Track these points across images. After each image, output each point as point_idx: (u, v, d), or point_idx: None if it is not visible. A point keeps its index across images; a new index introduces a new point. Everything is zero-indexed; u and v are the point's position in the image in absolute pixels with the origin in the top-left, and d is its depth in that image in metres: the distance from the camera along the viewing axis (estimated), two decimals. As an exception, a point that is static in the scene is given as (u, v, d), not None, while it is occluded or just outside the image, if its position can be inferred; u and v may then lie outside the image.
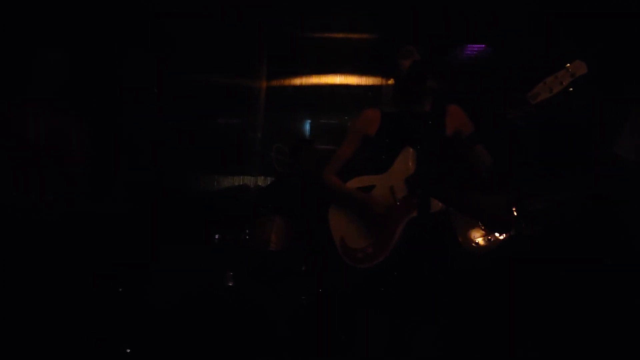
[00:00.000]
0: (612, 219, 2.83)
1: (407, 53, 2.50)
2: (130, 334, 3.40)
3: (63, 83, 3.02)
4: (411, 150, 2.45)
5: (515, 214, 3.18)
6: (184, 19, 4.71)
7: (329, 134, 4.95)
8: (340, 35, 5.09)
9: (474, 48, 4.75)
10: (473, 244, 3.19)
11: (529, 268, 3.21)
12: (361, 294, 2.60)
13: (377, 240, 2.45)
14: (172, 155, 4.70)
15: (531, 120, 2.14)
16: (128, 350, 3.34)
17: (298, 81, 5.14)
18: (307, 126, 5.13)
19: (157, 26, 4.64)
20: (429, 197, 2.30)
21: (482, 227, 3.22)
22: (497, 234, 3.21)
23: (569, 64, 2.08)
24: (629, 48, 3.79)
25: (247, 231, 3.63)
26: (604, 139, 2.66)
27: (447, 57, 4.72)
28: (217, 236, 3.67)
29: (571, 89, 2.08)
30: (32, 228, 2.81)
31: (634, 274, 2.92)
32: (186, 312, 3.41)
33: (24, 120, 2.95)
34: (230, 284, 3.51)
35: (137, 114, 4.66)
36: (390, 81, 2.68)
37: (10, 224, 2.79)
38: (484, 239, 3.21)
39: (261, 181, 4.91)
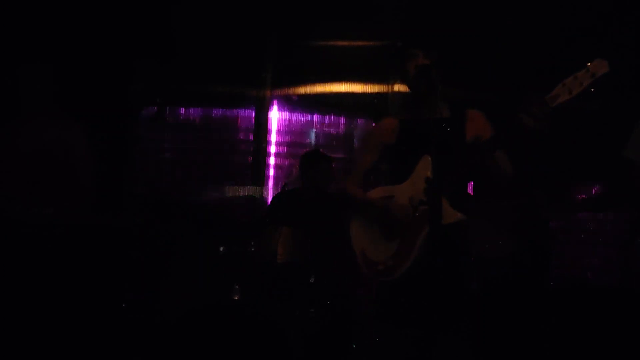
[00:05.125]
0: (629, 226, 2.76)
1: (411, 56, 2.43)
2: (136, 349, 3.34)
3: (52, 94, 3.01)
4: (429, 159, 2.39)
5: (532, 220, 3.11)
6: (190, 27, 4.70)
7: (335, 143, 4.90)
8: (345, 43, 5.05)
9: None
10: (488, 251, 3.12)
11: (551, 278, 3.15)
12: (382, 306, 2.53)
13: (397, 252, 2.38)
14: (177, 166, 4.66)
15: (549, 123, 2.06)
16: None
17: (303, 89, 5.11)
18: (312, 135, 5.09)
19: (162, 35, 4.63)
20: (441, 207, 2.23)
21: (499, 233, 3.15)
22: (519, 241, 3.13)
23: (589, 63, 1.99)
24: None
25: (253, 243, 3.57)
26: (615, 142, 2.59)
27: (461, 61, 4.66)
28: (222, 248, 3.61)
29: (592, 89, 1.99)
30: (36, 242, 2.78)
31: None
32: (192, 326, 3.35)
33: (19, 133, 2.94)
34: (237, 297, 3.45)
35: (142, 124, 4.64)
36: (397, 87, 2.63)
37: (14, 238, 2.76)
38: (500, 246, 3.13)
39: (267, 192, 4.86)
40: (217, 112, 4.91)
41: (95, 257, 3.37)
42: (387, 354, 2.45)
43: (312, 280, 3.51)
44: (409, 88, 2.51)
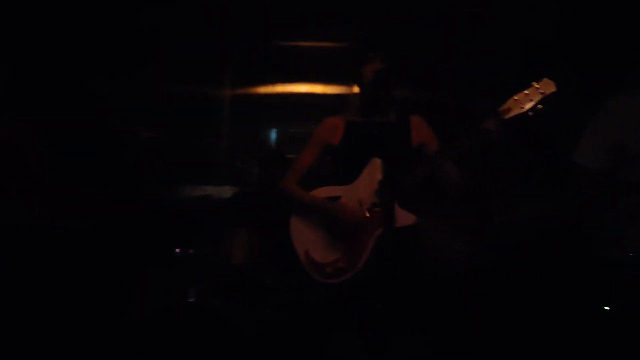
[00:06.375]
0: (576, 229, 2.84)
1: (368, 60, 2.46)
2: (90, 354, 3.27)
3: (3, 94, 2.95)
4: (379, 161, 2.40)
5: (486, 223, 3.18)
6: (149, 26, 4.63)
7: (296, 143, 4.88)
8: (307, 43, 5.05)
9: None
10: (442, 253, 3.17)
11: (500, 278, 3.21)
12: (332, 310, 2.53)
13: (347, 254, 2.38)
14: (133, 166, 4.59)
15: (502, 131, 2.14)
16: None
17: (264, 89, 5.08)
18: (273, 135, 5.07)
19: (121, 33, 4.55)
20: (393, 209, 2.25)
21: (453, 236, 3.21)
22: (469, 244, 3.19)
23: (535, 83, 2.12)
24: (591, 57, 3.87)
25: (210, 244, 3.53)
26: (566, 147, 2.66)
27: (418, 66, 4.71)
28: (177, 250, 3.56)
29: (540, 106, 2.10)
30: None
31: (600, 281, 2.93)
32: (146, 330, 3.30)
33: None
34: (192, 300, 3.41)
35: (97, 124, 4.55)
36: (356, 89, 2.64)
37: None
38: (454, 248, 3.18)
39: (225, 192, 4.81)
40: (174, 111, 4.84)
41: (46, 259, 3.30)
42: (342, 356, 2.46)
43: (268, 281, 3.49)
44: (363, 91, 2.53)
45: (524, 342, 3.16)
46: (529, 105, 2.13)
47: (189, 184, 4.86)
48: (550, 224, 3.17)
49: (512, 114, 2.14)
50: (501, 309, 3.17)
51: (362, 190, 2.41)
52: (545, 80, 2.12)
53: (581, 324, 2.97)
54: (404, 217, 2.29)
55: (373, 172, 2.39)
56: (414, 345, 2.38)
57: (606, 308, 2.63)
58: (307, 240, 2.52)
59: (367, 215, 2.37)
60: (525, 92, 2.14)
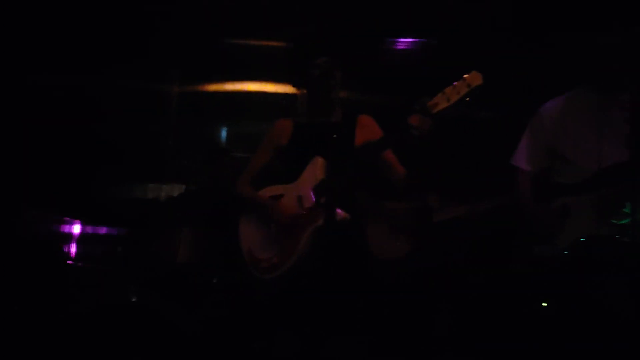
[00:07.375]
0: (512, 228, 2.92)
1: (315, 61, 2.52)
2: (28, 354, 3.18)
3: None
4: (320, 160, 2.45)
5: (426, 223, 3.24)
6: (94, 20, 4.54)
7: (244, 142, 4.87)
8: (255, 42, 5.04)
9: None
10: (383, 253, 3.21)
11: (440, 277, 3.27)
12: (269, 306, 2.57)
13: (281, 250, 2.43)
14: (77, 162, 4.49)
15: (429, 129, 2.17)
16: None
17: (212, 87, 5.04)
18: (220, 133, 5.04)
19: (66, 28, 4.45)
20: (334, 206, 2.28)
21: (394, 235, 3.25)
22: (408, 243, 3.24)
23: (466, 75, 2.12)
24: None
25: (154, 243, 3.49)
26: (504, 149, 2.74)
27: (361, 67, 4.76)
28: (119, 248, 3.50)
29: (468, 99, 2.11)
30: None
31: (536, 278, 3.03)
32: (88, 330, 3.23)
33: None
34: (134, 299, 3.36)
35: (43, 121, 4.44)
36: (303, 90, 2.69)
37: None
38: (395, 248, 3.23)
39: (172, 190, 4.75)
40: (121, 108, 4.75)
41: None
42: (283, 354, 2.48)
43: (215, 280, 3.47)
44: (310, 93, 2.59)
45: (463, 341, 3.23)
46: (455, 99, 2.12)
47: (134, 182, 4.78)
48: (488, 224, 3.27)
49: (439, 107, 2.15)
50: (440, 307, 3.24)
51: (302, 188, 2.47)
52: (474, 72, 2.12)
53: (519, 320, 3.08)
54: (338, 215, 2.33)
55: (313, 171, 2.45)
56: (350, 343, 2.42)
57: (543, 304, 2.72)
58: (252, 238, 2.58)
59: (304, 212, 2.41)
60: (454, 85, 2.13)
